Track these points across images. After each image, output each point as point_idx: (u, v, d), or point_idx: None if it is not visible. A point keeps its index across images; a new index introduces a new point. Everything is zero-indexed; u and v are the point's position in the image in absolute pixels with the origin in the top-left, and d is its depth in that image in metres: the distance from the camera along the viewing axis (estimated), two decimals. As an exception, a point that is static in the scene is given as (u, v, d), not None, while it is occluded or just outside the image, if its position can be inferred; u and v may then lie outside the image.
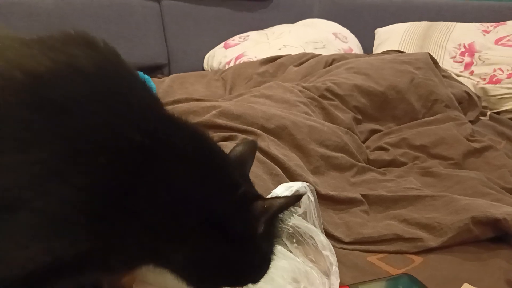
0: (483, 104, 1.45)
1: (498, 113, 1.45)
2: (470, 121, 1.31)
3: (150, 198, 0.41)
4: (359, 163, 0.98)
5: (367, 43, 2.09)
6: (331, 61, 1.47)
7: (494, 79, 1.52)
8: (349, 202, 0.81)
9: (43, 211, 0.38)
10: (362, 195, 0.84)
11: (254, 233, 0.45)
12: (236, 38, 2.02)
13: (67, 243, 0.39)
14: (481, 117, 1.40)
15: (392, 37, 1.87)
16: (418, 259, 0.71)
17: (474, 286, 0.64)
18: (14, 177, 0.38)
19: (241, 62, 1.79)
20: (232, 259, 0.46)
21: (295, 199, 0.47)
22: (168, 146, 0.43)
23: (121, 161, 0.40)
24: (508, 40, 1.62)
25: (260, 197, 0.48)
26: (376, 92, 1.21)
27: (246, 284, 0.49)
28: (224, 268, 0.46)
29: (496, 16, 1.85)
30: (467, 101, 1.38)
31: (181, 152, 0.44)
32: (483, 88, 1.50)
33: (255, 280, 0.49)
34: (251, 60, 1.76)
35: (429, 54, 1.38)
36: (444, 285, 0.64)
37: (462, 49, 1.66)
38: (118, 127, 0.41)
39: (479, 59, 1.60)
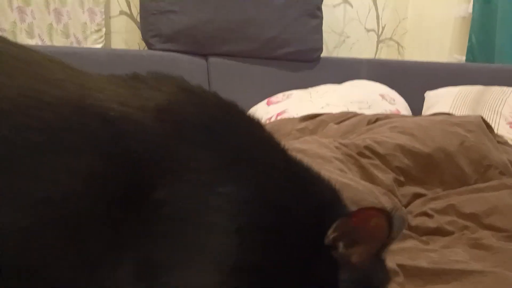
0: (545, 174, 1.31)
1: (562, 185, 1.30)
2: (528, 192, 1.18)
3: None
4: (398, 229, 0.87)
5: (416, 106, 2.02)
6: (375, 120, 1.40)
7: (557, 148, 1.38)
8: (382, 272, 0.71)
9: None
10: (398, 265, 0.73)
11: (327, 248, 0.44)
12: (279, 96, 2.01)
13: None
14: (542, 189, 1.26)
15: (443, 100, 1.79)
16: None
17: None
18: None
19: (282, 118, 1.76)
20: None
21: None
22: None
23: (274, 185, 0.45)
24: None
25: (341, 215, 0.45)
26: (422, 153, 1.11)
27: None
28: None
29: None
30: (526, 170, 1.25)
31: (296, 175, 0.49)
32: (544, 157, 1.36)
33: None
34: (292, 117, 1.73)
35: (482, 118, 1.28)
36: None
37: (520, 115, 1.54)
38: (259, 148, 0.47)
39: (539, 126, 1.47)
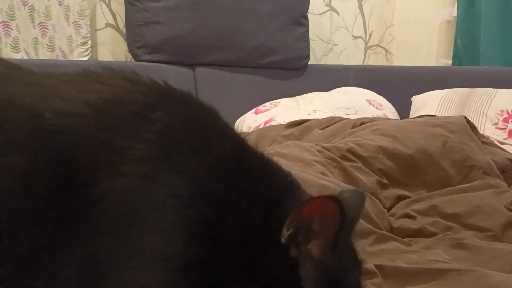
0: (531, 174, 1.30)
1: (549, 184, 1.29)
2: (516, 193, 1.17)
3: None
4: (379, 231, 0.86)
5: (404, 110, 2.02)
6: (359, 124, 1.40)
7: (543, 147, 1.38)
8: (359, 273, 0.70)
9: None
10: (376, 266, 0.72)
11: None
12: (267, 104, 2.00)
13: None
14: (529, 189, 1.25)
15: (429, 104, 1.79)
16: None
17: None
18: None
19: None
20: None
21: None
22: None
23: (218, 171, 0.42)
24: (557, 107, 1.50)
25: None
26: (404, 155, 1.11)
27: None
28: None
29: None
30: (512, 170, 1.24)
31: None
32: (530, 157, 1.35)
33: None
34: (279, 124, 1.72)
35: (466, 118, 1.28)
36: None
37: (505, 115, 1.54)
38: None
39: (525, 126, 1.48)
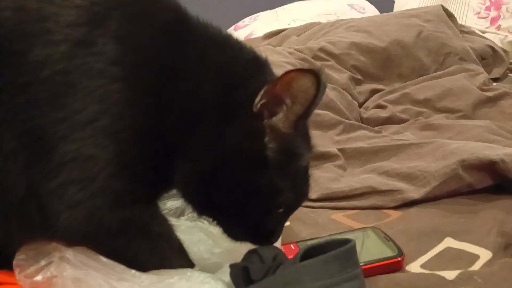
0: (512, 59, 1.28)
1: (529, 68, 1.27)
2: (496, 78, 1.16)
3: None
4: (347, 121, 0.86)
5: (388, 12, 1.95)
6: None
7: (525, 32, 1.35)
8: (321, 158, 0.71)
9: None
10: (339, 149, 0.73)
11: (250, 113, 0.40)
12: (246, 20, 1.94)
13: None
14: (510, 74, 1.24)
15: (411, 0, 1.72)
16: (395, 214, 0.59)
17: (458, 241, 0.52)
18: None
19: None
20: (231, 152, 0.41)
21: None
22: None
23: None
24: (541, -11, 1.44)
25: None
26: (377, 49, 1.08)
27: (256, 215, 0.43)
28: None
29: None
30: (492, 57, 1.22)
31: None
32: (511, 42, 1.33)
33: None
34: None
35: (442, 6, 1.24)
36: (419, 240, 0.52)
37: (488, 3, 1.49)
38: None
39: (507, 11, 1.43)
